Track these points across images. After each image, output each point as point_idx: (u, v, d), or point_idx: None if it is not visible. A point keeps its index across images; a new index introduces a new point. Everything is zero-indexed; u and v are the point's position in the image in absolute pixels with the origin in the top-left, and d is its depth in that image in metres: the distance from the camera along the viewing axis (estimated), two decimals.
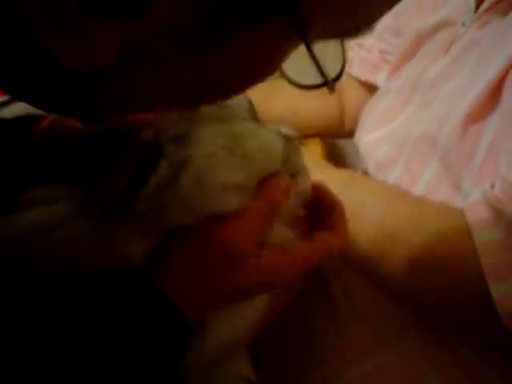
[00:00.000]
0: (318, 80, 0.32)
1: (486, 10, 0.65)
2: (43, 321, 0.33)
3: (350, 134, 0.91)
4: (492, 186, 0.53)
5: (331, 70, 0.33)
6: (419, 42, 0.80)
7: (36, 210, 0.37)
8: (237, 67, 0.30)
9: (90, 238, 0.36)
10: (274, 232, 0.42)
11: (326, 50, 0.33)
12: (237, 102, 0.43)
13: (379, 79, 0.93)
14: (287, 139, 0.43)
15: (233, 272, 0.38)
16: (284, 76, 0.37)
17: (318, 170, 0.72)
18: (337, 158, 1.34)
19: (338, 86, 1.03)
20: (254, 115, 0.44)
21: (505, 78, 0.57)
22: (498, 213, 0.50)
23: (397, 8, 0.94)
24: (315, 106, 0.99)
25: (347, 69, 0.99)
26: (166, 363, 0.36)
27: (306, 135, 0.93)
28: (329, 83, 0.33)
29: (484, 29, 0.65)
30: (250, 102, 0.44)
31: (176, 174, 0.37)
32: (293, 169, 0.43)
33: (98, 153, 0.39)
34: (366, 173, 0.79)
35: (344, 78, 1.00)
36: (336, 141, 1.31)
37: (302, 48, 0.29)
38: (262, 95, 0.98)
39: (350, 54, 0.99)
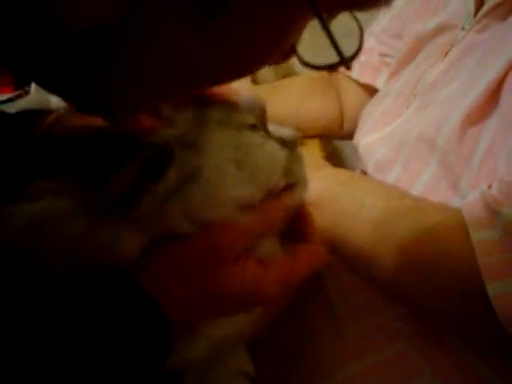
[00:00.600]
0: (334, 60, 0.31)
1: (486, 14, 0.65)
2: (25, 315, 0.33)
3: (349, 136, 0.92)
4: (489, 187, 0.54)
5: (347, 49, 0.31)
6: (419, 45, 0.81)
7: (42, 201, 0.37)
8: (238, 43, 0.29)
9: (89, 233, 0.36)
10: (265, 243, 0.42)
11: (342, 28, 0.32)
12: (249, 106, 0.43)
13: (379, 82, 0.94)
14: (290, 148, 0.44)
15: (215, 276, 0.38)
16: (298, 58, 0.35)
17: (317, 170, 0.73)
18: (336, 158, 1.34)
19: (338, 87, 1.03)
20: (263, 122, 0.44)
21: (503, 81, 0.57)
22: (494, 213, 0.51)
23: (397, 11, 0.95)
24: (315, 108, 1.00)
25: (347, 71, 0.99)
26: (146, 360, 0.36)
27: (305, 136, 0.94)
28: (345, 61, 0.31)
29: (483, 33, 0.66)
30: (263, 108, 0.44)
31: (184, 183, 0.38)
32: (293, 179, 0.43)
33: (107, 152, 0.39)
34: (364, 173, 0.80)
35: (344, 81, 1.01)
36: (335, 142, 1.32)
37: (318, 29, 0.28)
38: (263, 96, 0.99)
39: None
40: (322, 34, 0.28)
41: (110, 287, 0.35)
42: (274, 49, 0.31)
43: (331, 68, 0.33)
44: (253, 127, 0.42)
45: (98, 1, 0.25)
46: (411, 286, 0.58)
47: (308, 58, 0.35)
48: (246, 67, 0.32)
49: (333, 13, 0.31)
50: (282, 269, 0.41)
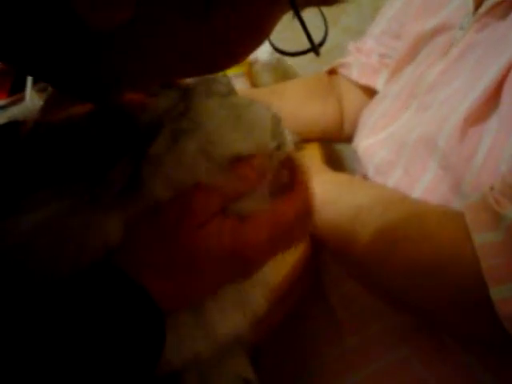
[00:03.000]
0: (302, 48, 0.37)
1: (485, 13, 0.65)
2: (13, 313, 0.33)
3: (350, 139, 0.92)
4: (491, 188, 0.53)
5: (316, 38, 0.37)
6: (418, 45, 0.80)
7: (43, 209, 0.37)
8: (232, 32, 0.33)
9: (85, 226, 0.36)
10: (246, 204, 0.40)
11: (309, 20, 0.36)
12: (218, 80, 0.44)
13: (378, 83, 0.93)
14: (272, 112, 0.44)
15: (191, 237, 0.37)
16: (272, 45, 0.40)
17: (316, 174, 0.72)
18: (336, 162, 1.34)
19: (337, 90, 1.03)
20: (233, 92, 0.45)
21: (504, 80, 0.57)
22: (497, 215, 0.50)
23: (396, 12, 0.94)
24: (315, 110, 0.99)
25: (347, 73, 0.99)
26: (142, 353, 0.35)
27: (305, 140, 0.93)
28: (315, 48, 0.36)
29: (482, 32, 0.65)
30: (229, 81, 0.45)
31: (178, 140, 0.38)
32: (279, 140, 0.43)
33: (97, 144, 0.39)
34: (365, 177, 0.79)
35: (343, 83, 1.01)
36: (335, 145, 1.31)
37: (289, 20, 0.34)
38: (263, 99, 0.99)
39: (350, 59, 0.99)
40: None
41: (94, 282, 0.35)
42: (260, 36, 0.36)
43: (303, 54, 0.38)
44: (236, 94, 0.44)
45: (121, 4, 0.28)
46: (415, 289, 0.58)
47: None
48: (238, 54, 0.37)
49: (303, 6, 0.36)
50: (266, 216, 0.40)
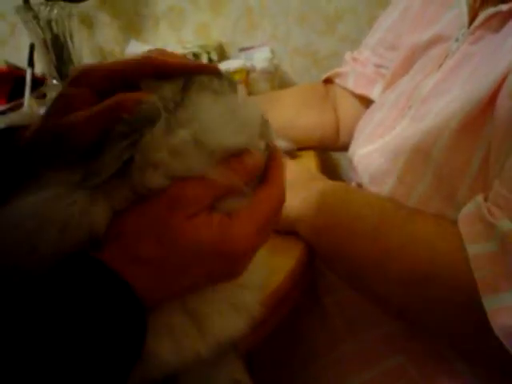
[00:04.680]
0: None
1: (479, 26, 0.65)
2: None
3: (345, 147, 0.92)
4: (485, 199, 0.54)
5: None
6: (413, 56, 0.81)
7: (30, 196, 0.36)
8: None
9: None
10: (232, 201, 0.41)
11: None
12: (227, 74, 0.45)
13: (374, 93, 0.94)
14: (261, 113, 0.45)
15: (180, 228, 0.37)
16: None
17: (312, 182, 0.73)
18: (331, 170, 1.34)
19: (333, 99, 1.04)
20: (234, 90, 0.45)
21: (498, 91, 0.57)
22: (490, 226, 0.51)
23: (392, 24, 0.95)
24: (311, 119, 1.00)
25: (343, 82, 1.00)
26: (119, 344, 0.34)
27: (301, 148, 0.94)
28: None
29: (477, 44, 0.66)
30: (233, 81, 0.46)
31: (172, 130, 0.38)
32: (266, 139, 0.44)
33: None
34: (360, 185, 0.79)
35: (339, 92, 1.01)
36: (330, 154, 1.32)
37: None
38: (260, 107, 0.99)
39: (346, 69, 1.00)
40: None
41: (73, 273, 0.34)
42: None
43: None
44: (231, 91, 0.44)
45: None
46: (409, 298, 0.58)
47: None
48: None
49: None
50: (251, 211, 0.41)
